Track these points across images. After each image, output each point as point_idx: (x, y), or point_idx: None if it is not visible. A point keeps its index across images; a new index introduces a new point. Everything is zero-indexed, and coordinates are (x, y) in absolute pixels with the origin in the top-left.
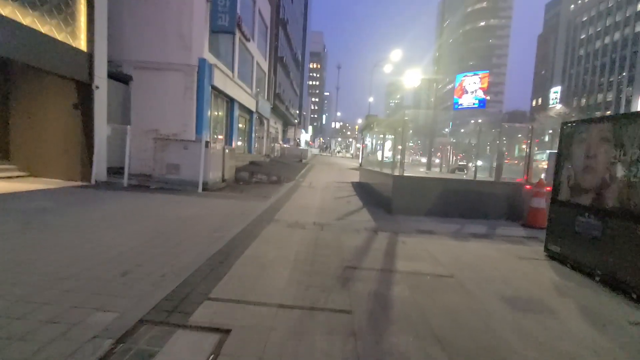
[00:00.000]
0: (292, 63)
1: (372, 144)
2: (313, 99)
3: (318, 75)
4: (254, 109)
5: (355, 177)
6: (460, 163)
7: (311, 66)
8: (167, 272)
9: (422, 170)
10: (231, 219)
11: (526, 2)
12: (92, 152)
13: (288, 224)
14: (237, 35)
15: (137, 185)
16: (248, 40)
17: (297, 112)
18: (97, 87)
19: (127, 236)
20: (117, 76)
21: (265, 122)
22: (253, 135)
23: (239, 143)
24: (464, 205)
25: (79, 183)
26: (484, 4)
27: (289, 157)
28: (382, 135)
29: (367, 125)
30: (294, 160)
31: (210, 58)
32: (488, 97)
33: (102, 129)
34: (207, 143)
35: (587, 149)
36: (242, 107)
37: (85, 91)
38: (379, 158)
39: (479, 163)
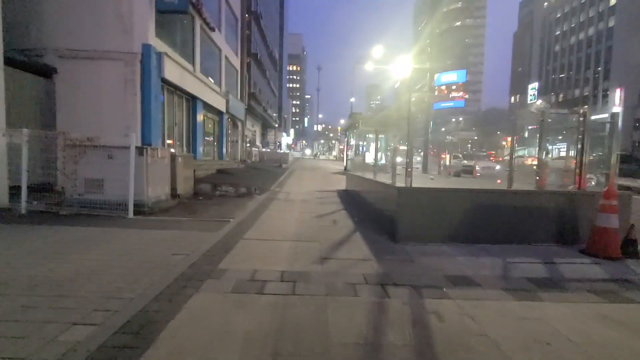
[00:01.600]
0: (268, 62)
1: (358, 145)
2: (294, 102)
3: (298, 78)
4: (223, 109)
5: (341, 184)
6: (465, 163)
7: (291, 68)
8: None
9: (417, 173)
10: (139, 276)
11: (500, 1)
12: None
13: (236, 284)
14: (198, 22)
15: (41, 211)
16: (213, 30)
17: (277, 114)
18: None
19: None
20: (34, 67)
21: (239, 124)
22: (224, 139)
23: (202, 149)
24: (498, 225)
25: None
26: (459, 4)
27: (268, 162)
28: (370, 135)
29: (351, 124)
30: (274, 165)
31: (159, 45)
32: (467, 96)
33: None
34: (142, 149)
35: None
36: (209, 107)
37: None
38: (369, 161)
39: (495, 167)
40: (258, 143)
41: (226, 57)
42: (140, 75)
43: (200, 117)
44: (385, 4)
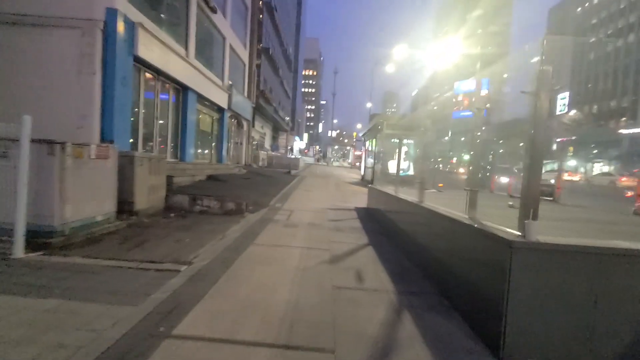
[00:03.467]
0: (282, 60)
1: (379, 152)
2: (308, 107)
3: (314, 83)
4: (225, 106)
5: (359, 198)
6: (545, 183)
7: (307, 73)
8: None
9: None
10: None
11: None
12: None
13: None
14: None
15: None
16: (214, 11)
17: (290, 117)
18: None
19: None
20: None
21: (245, 124)
22: (225, 140)
23: (193, 150)
24: None
25: None
26: (482, 11)
27: (276, 167)
28: (396, 140)
29: (373, 128)
30: (282, 171)
31: (132, 13)
32: (488, 105)
33: None
34: (52, 145)
35: None
36: (206, 102)
37: None
38: (392, 170)
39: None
40: (267, 146)
41: (231, 47)
42: (102, 50)
43: (192, 112)
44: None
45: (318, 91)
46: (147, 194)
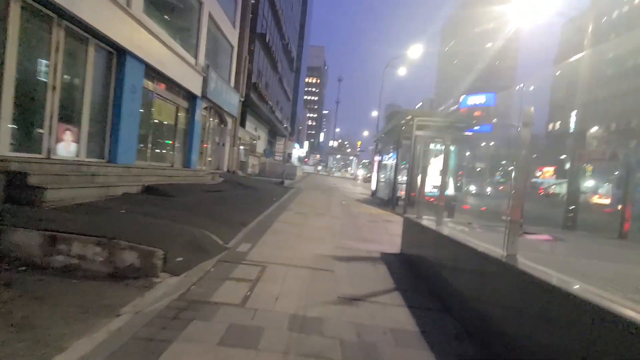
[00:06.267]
0: (282, 54)
1: (401, 160)
2: (310, 114)
3: (317, 91)
4: (198, 92)
5: (383, 230)
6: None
7: (310, 80)
8: None
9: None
10: None
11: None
12: None
13: None
14: None
15: None
16: None
17: (289, 121)
18: None
19: None
20: None
21: (230, 121)
22: (196, 138)
23: (129, 146)
24: None
25: None
26: (491, 26)
27: (270, 175)
28: (437, 144)
29: (395, 129)
30: (274, 181)
31: None
32: (495, 120)
33: None
34: None
35: None
36: (163, 80)
37: None
38: (433, 189)
39: None
40: (260, 150)
41: (212, 18)
42: None
43: (133, 90)
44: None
45: (321, 100)
46: None
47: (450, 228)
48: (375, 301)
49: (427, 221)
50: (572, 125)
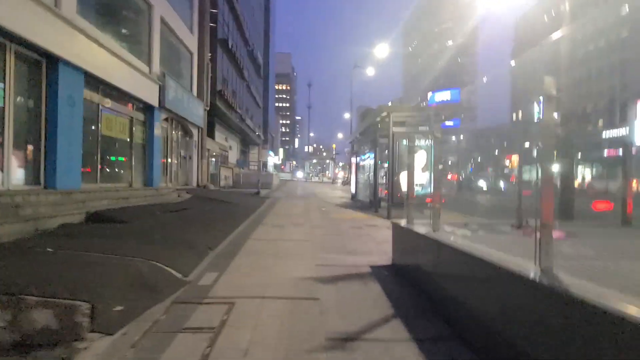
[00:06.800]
0: (247, 61)
1: (377, 162)
2: (283, 121)
3: (288, 97)
4: (154, 103)
5: (367, 237)
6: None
7: (280, 87)
8: None
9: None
10: None
11: (493, 20)
12: None
13: None
14: None
15: None
16: None
17: (262, 129)
18: None
19: None
20: None
21: (195, 132)
22: (157, 152)
23: (71, 165)
24: None
25: None
26: (449, 24)
27: (245, 186)
28: (421, 141)
29: (371, 127)
30: (249, 192)
31: None
32: (462, 115)
33: None
34: None
35: None
36: (110, 90)
37: None
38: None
39: None
40: (233, 161)
41: (164, 22)
42: None
43: (71, 103)
44: (373, 23)
45: (292, 106)
46: None
47: (448, 233)
48: (374, 338)
49: (422, 227)
50: (535, 114)
